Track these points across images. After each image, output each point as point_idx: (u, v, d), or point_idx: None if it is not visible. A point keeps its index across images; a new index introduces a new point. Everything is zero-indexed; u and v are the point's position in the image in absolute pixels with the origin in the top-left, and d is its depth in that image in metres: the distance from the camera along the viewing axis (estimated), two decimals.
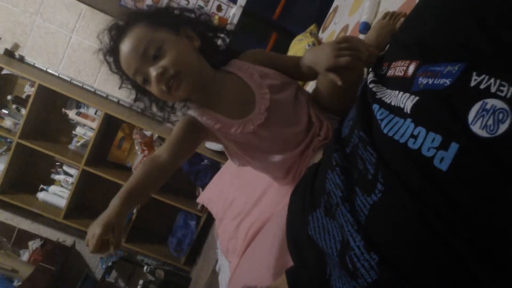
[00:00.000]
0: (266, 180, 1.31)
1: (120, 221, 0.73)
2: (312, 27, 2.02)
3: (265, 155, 0.94)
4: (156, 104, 0.98)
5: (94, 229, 0.70)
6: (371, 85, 0.52)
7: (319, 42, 1.87)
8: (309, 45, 1.75)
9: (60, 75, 2.73)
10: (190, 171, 2.69)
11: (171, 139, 0.88)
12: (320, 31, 2.02)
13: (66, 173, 2.78)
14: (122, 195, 0.75)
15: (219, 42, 0.99)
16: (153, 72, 0.83)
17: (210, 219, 2.66)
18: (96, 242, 0.69)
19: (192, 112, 0.92)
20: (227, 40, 1.01)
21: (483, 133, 0.36)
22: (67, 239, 2.95)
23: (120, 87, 0.95)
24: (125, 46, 0.85)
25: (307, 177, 0.68)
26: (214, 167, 2.67)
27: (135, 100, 0.96)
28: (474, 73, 0.38)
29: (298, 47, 1.83)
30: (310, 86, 1.38)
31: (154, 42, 0.84)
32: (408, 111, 0.43)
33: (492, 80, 0.36)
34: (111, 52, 0.89)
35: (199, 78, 0.89)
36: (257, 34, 2.49)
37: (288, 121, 0.93)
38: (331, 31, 1.79)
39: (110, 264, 2.77)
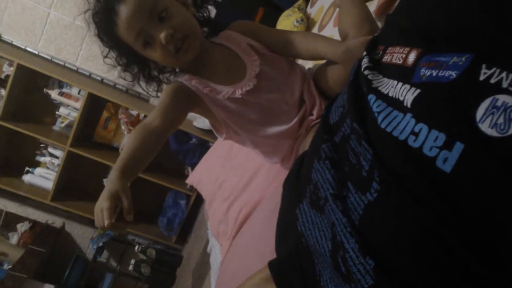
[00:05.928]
0: (256, 163, 1.28)
1: (125, 190, 0.66)
2: (300, 1, 1.95)
3: (253, 126, 0.91)
4: (143, 73, 0.94)
5: (101, 205, 0.64)
6: (366, 72, 0.48)
7: (307, 17, 1.81)
8: (297, 21, 1.69)
9: (40, 54, 2.63)
10: (178, 150, 2.65)
11: (161, 106, 0.83)
12: (309, 6, 1.95)
13: (51, 155, 2.72)
14: (119, 168, 0.69)
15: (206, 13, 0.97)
16: (161, 33, 0.81)
17: (200, 198, 2.65)
18: (109, 213, 0.62)
19: (180, 78, 0.89)
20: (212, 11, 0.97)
21: (492, 133, 0.32)
22: (56, 221, 2.91)
23: (105, 57, 0.90)
24: (127, 6, 0.80)
25: (295, 166, 0.65)
26: (203, 146, 2.64)
27: (125, 69, 0.92)
28: (484, 66, 0.34)
29: (286, 22, 1.77)
30: (301, 61, 1.34)
31: (159, 4, 0.82)
32: (409, 105, 0.39)
33: (504, 74, 0.33)
34: (104, 13, 0.84)
35: (202, 44, 0.89)
36: (243, 10, 2.40)
37: (278, 89, 0.91)
38: (320, 6, 1.73)
39: (101, 244, 2.76)
